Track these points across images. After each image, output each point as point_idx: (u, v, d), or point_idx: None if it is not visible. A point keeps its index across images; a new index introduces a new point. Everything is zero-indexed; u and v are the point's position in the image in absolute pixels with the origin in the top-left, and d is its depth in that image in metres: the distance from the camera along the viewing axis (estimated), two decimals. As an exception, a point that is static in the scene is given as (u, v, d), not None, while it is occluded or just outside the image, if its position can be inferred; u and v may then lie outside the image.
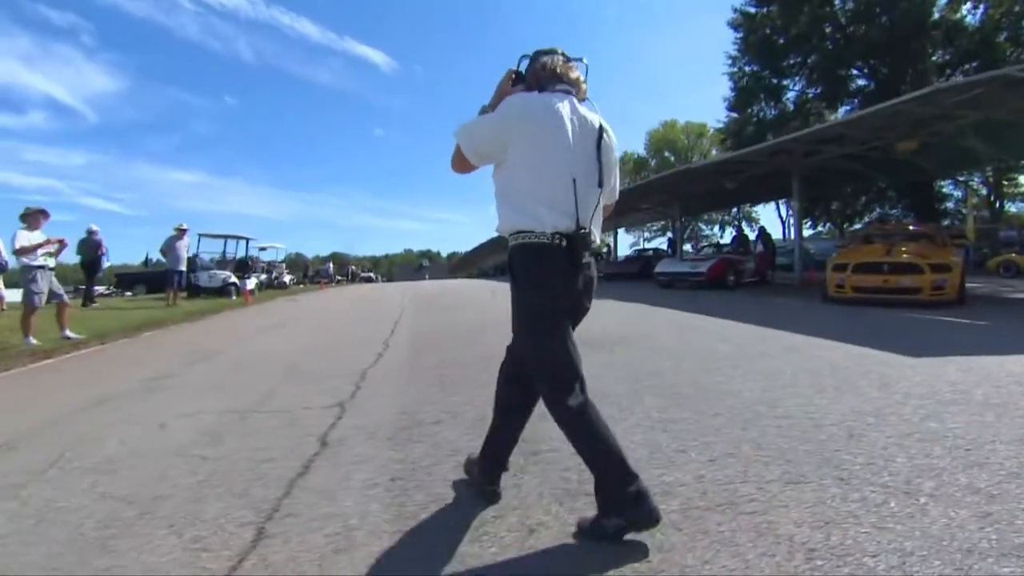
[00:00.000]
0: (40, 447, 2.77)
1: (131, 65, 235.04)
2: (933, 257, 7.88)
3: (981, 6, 21.16)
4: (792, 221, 34.17)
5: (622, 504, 1.58)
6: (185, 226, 12.57)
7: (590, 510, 1.71)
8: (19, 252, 6.34)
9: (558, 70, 1.83)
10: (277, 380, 4.21)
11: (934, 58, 21.46)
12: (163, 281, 17.71)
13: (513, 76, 1.91)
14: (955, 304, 7.73)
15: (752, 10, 26.08)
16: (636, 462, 1.83)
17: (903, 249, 8.18)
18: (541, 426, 2.35)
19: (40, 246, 6.43)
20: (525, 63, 1.90)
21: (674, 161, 48.33)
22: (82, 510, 1.99)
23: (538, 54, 1.89)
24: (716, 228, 48.02)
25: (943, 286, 7.61)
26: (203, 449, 2.63)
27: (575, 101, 1.80)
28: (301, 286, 27.31)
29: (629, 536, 1.60)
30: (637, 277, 18.54)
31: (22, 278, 6.45)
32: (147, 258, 24.27)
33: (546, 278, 1.70)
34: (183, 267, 12.42)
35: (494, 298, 12.51)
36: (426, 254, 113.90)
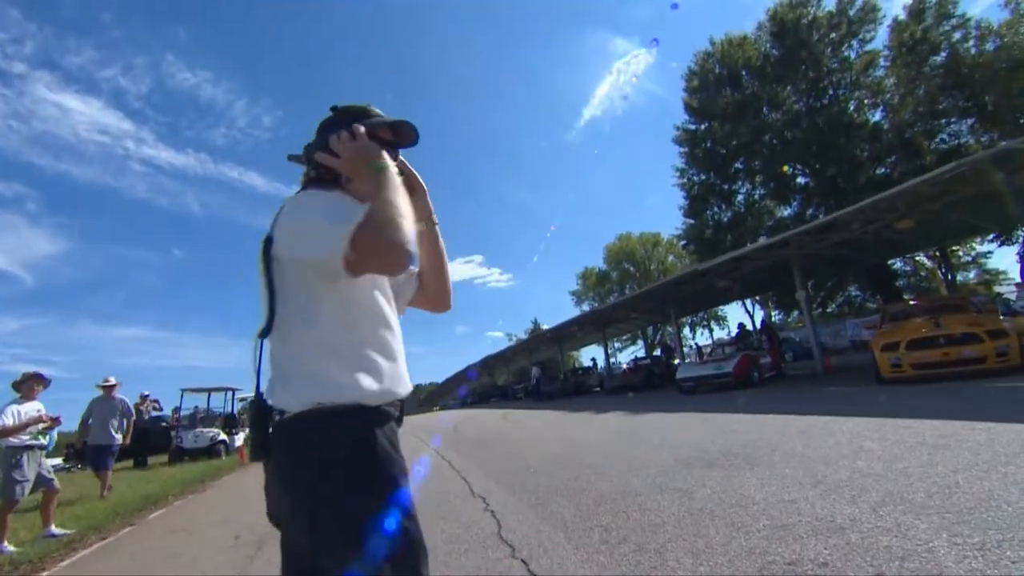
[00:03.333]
0: None
1: (75, 227, 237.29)
2: (987, 324, 7.76)
3: (880, 110, 24.24)
4: (762, 314, 35.67)
5: None
6: (113, 380, 8.24)
7: None
8: (2, 433, 5.20)
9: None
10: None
11: (864, 154, 23.78)
12: (128, 450, 15.90)
13: None
14: (1021, 370, 7.48)
15: (692, 127, 28.93)
16: None
17: (954, 320, 8.05)
18: None
19: (30, 424, 5.32)
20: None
21: (634, 271, 50.23)
22: None
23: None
24: (686, 330, 48.73)
25: (1006, 352, 7.41)
26: None
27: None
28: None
29: None
30: (644, 387, 17.93)
31: (3, 462, 5.21)
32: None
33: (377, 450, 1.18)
34: (116, 439, 8.09)
35: (508, 421, 11.59)
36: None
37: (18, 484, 5.15)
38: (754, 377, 12.26)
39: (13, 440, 5.19)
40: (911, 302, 13.19)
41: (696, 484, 3.94)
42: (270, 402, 1.09)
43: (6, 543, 4.98)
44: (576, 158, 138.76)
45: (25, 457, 5.24)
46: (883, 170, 24.00)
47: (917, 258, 29.72)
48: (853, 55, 24.38)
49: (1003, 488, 2.81)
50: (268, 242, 1.11)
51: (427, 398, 59.87)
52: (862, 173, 23.38)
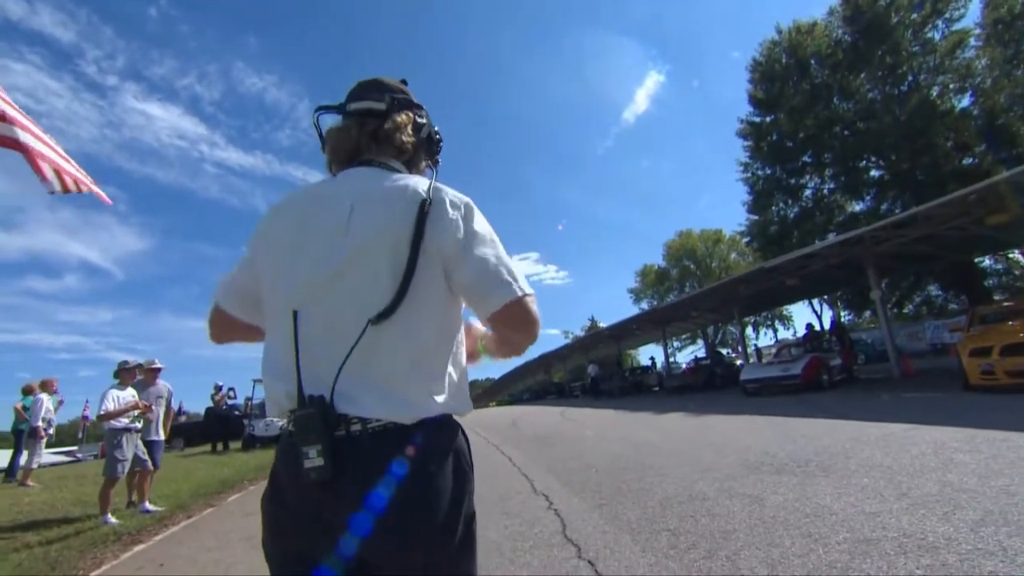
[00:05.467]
0: None
1: (157, 226, 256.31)
2: (1096, 330, 7.05)
3: (968, 95, 22.34)
4: (831, 314, 33.83)
5: None
6: (158, 363, 6.64)
7: None
8: (103, 417, 5.70)
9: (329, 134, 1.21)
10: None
11: (948, 143, 22.07)
12: (204, 434, 16.95)
13: None
14: None
15: (757, 119, 27.76)
16: None
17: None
18: None
19: (128, 409, 5.80)
20: (326, 119, 1.23)
21: (695, 269, 48.89)
22: None
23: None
24: (749, 330, 46.97)
25: (1120, 362, 6.71)
26: None
27: (366, 172, 1.11)
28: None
29: None
30: (704, 388, 17.42)
31: (107, 442, 5.74)
32: (180, 408, 23.41)
33: (263, 513, 1.00)
34: (160, 434, 6.58)
35: (566, 419, 11.56)
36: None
37: (119, 463, 5.62)
38: (823, 380, 11.67)
39: (115, 423, 5.66)
40: (1005, 303, 12.13)
41: (766, 490, 3.81)
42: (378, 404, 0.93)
43: (110, 515, 5.46)
44: (631, 154, 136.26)
45: (124, 439, 5.70)
46: (971, 160, 22.24)
47: (1011, 255, 27.32)
48: (938, 36, 22.61)
49: (1124, 512, 2.56)
50: (423, 218, 0.99)
51: (483, 394, 60.72)
52: (946, 164, 21.72)
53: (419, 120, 1.20)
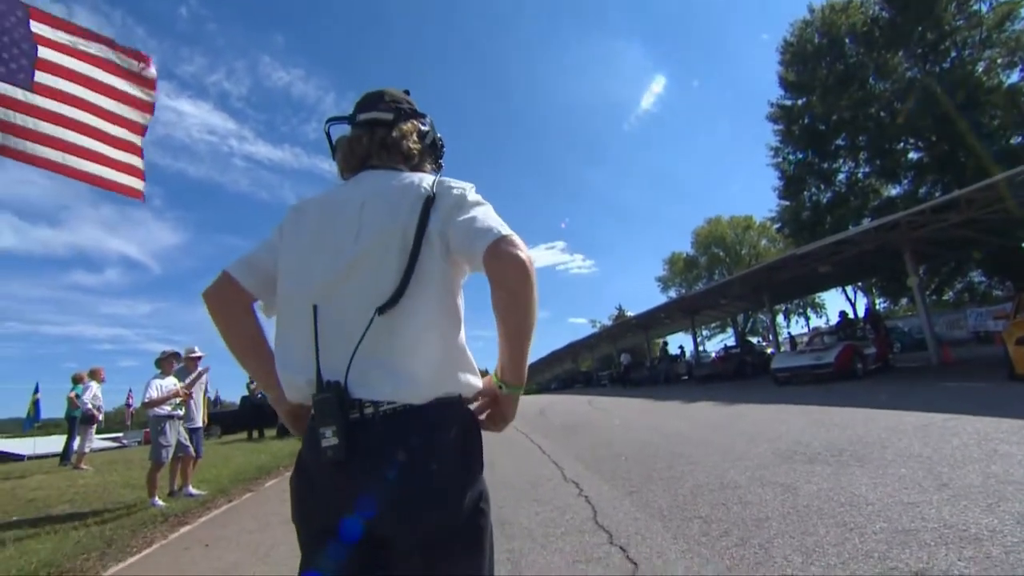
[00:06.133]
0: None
1: (190, 220, 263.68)
2: None
3: (1018, 71, 21.20)
4: (865, 302, 32.90)
5: None
6: (199, 351, 6.84)
7: None
8: (148, 404, 5.96)
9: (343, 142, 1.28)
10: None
11: (995, 122, 21.08)
12: (240, 422, 17.49)
13: None
14: None
15: (788, 102, 26.95)
16: None
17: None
18: None
19: (170, 397, 6.05)
20: (338, 128, 1.32)
21: (724, 256, 47.96)
22: None
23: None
24: (780, 318, 46.00)
25: None
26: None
27: (375, 174, 1.19)
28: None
29: None
30: (733, 377, 17.20)
31: (151, 429, 6.00)
32: (216, 397, 24.13)
33: (291, 489, 1.08)
34: (197, 420, 6.67)
35: (594, 408, 11.56)
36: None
37: (164, 448, 5.88)
38: (858, 369, 11.40)
39: (158, 411, 5.92)
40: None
41: (800, 479, 3.78)
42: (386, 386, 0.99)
43: (157, 498, 5.72)
44: (656, 140, 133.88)
45: (168, 425, 5.95)
46: (1019, 139, 21.20)
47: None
48: (985, 8, 21.49)
49: None
50: (429, 203, 1.07)
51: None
52: (991, 144, 20.74)
53: (423, 128, 1.29)
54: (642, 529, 3.20)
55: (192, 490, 6.22)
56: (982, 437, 4.33)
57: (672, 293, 50.24)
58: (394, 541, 0.96)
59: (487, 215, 1.06)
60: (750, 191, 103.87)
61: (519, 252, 0.98)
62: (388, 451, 0.96)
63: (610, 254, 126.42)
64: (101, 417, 10.32)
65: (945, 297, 28.77)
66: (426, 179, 1.13)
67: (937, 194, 18.75)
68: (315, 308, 1.04)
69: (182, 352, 6.57)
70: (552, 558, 2.94)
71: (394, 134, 1.23)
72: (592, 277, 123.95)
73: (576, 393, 26.08)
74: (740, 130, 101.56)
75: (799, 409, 7.66)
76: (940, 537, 2.47)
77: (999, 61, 21.56)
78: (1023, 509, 2.67)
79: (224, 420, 19.94)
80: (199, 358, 6.75)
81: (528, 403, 21.70)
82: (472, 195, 1.12)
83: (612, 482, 4.56)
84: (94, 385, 9.84)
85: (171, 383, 6.17)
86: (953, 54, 22.08)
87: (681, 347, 25.16)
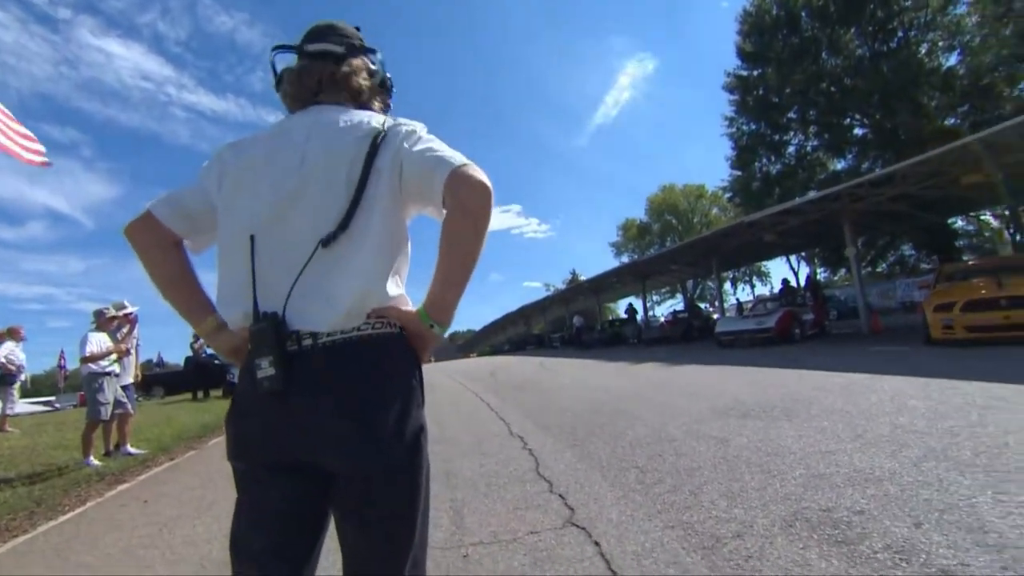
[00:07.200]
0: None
1: (125, 172, 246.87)
2: (1055, 288, 7.32)
3: (956, 54, 22.19)
4: (807, 271, 34.50)
5: None
6: (130, 307, 6.32)
7: None
8: (87, 359, 5.67)
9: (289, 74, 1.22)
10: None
11: (933, 103, 22.09)
12: (185, 383, 16.93)
13: None
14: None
15: (744, 73, 27.32)
16: None
17: (1019, 282, 7.61)
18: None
19: (109, 353, 5.78)
20: (283, 58, 1.26)
21: (676, 224, 49.02)
22: None
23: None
24: (727, 285, 47.75)
25: (1072, 318, 7.02)
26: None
27: (323, 108, 1.15)
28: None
29: None
30: (681, 340, 17.86)
31: (86, 387, 5.73)
32: (160, 357, 23.29)
33: (226, 427, 1.06)
34: (129, 376, 6.26)
35: (544, 369, 11.81)
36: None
37: (102, 406, 5.64)
38: (795, 334, 12.05)
39: (94, 367, 5.65)
40: (970, 262, 12.50)
41: (732, 433, 4.00)
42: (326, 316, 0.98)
43: (92, 458, 5.52)
44: (619, 109, 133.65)
45: (105, 382, 5.71)
46: (953, 120, 22.31)
47: (982, 217, 27.91)
48: (931, -9, 22.19)
49: (1056, 450, 2.77)
50: (377, 141, 1.05)
51: (464, 345, 61.40)
52: (928, 124, 21.78)
53: (372, 65, 1.24)
54: (581, 479, 3.34)
55: (131, 449, 6.03)
56: (895, 394, 4.71)
57: (625, 258, 51.21)
58: (331, 473, 0.97)
59: (444, 147, 1.05)
60: (705, 160, 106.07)
61: (483, 178, 0.98)
62: (327, 383, 0.95)
63: (566, 219, 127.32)
64: (24, 377, 9.76)
65: (879, 269, 30.52)
66: (376, 117, 1.11)
67: (878, 169, 19.62)
68: (252, 238, 1.02)
69: (110, 306, 6.21)
70: (494, 505, 3.03)
71: (344, 69, 1.18)
72: (548, 241, 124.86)
73: (528, 355, 26.52)
74: (700, 99, 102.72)
75: (738, 370, 8.06)
76: (849, 480, 2.69)
77: (940, 44, 22.46)
78: (920, 454, 2.95)
79: (167, 381, 19.31)
80: (130, 314, 6.42)
81: (480, 364, 21.96)
82: (424, 132, 1.10)
83: (556, 436, 4.71)
84: (10, 344, 9.25)
85: (106, 340, 5.90)
86: (900, 34, 22.82)
87: (631, 305, 25.78)
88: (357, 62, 1.21)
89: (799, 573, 1.86)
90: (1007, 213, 24.94)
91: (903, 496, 2.40)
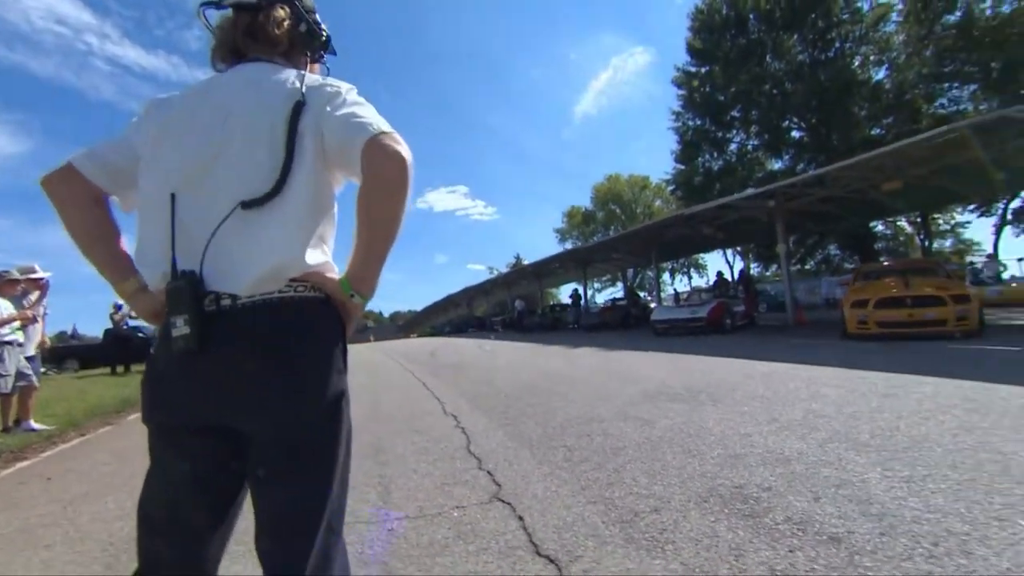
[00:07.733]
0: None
1: (35, 125, 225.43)
2: (952, 289, 8.01)
3: (884, 69, 23.70)
4: (741, 265, 36.19)
5: None
6: (40, 272, 5.81)
7: None
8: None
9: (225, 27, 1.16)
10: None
11: (862, 112, 23.50)
12: (103, 356, 15.86)
13: None
14: (977, 334, 7.82)
15: (693, 69, 28.09)
16: None
17: (922, 283, 8.28)
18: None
19: (9, 321, 5.30)
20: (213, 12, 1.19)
21: (620, 213, 50.14)
22: None
23: None
24: (666, 276, 49.44)
25: (966, 316, 7.71)
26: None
27: (249, 66, 1.12)
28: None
29: None
30: (618, 327, 18.36)
31: None
32: (74, 329, 21.75)
33: (142, 390, 1.04)
34: (31, 348, 5.77)
35: (483, 351, 11.86)
36: (368, 315, 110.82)
37: (3, 378, 5.21)
38: (726, 324, 12.62)
39: (-6, 335, 5.18)
40: (885, 263, 13.49)
41: (658, 415, 4.15)
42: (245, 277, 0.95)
43: (-11, 434, 5.09)
44: (568, 93, 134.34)
45: (6, 352, 5.25)
46: (878, 131, 23.82)
47: (898, 223, 30.13)
48: (866, 6, 23.52)
49: (938, 433, 3.04)
50: (299, 106, 1.01)
51: (405, 325, 60.60)
52: (857, 132, 23.18)
53: (298, 13, 1.18)
54: (510, 456, 3.38)
55: (34, 424, 5.57)
56: (811, 382, 5.02)
57: (569, 244, 52.03)
58: (249, 437, 0.95)
59: (368, 112, 1.02)
60: (651, 152, 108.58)
61: (401, 148, 0.96)
62: (245, 344, 0.93)
63: (513, 202, 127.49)
64: None
65: (807, 266, 32.44)
66: (304, 76, 1.07)
67: (811, 171, 20.78)
68: (173, 197, 0.98)
69: (14, 269, 5.66)
70: (422, 481, 3.02)
71: (259, 19, 1.13)
72: (494, 224, 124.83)
73: (469, 337, 26.56)
74: (649, 91, 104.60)
75: (670, 356, 8.38)
76: (762, 460, 2.85)
77: (871, 58, 23.85)
78: (825, 436, 3.17)
79: (82, 354, 18.05)
80: (41, 279, 5.91)
81: (419, 345, 21.78)
82: (352, 95, 1.06)
83: (489, 416, 4.74)
84: None
85: (8, 306, 5.40)
86: (837, 45, 24.04)
87: (576, 290, 26.25)
88: (277, 12, 1.14)
89: (708, 543, 1.96)
90: (919, 220, 27.13)
91: (807, 473, 2.57)
